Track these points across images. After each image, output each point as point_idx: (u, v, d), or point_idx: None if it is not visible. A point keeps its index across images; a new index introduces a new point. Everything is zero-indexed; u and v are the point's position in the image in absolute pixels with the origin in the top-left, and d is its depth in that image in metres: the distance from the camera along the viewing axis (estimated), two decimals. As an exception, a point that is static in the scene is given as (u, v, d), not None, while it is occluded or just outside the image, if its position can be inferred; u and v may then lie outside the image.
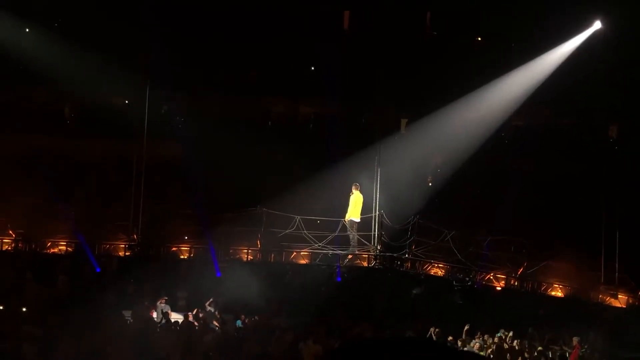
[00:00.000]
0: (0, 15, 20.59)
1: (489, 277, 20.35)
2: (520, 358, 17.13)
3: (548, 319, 19.52)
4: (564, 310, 19.79)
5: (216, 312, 18.16)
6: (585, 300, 20.49)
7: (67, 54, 20.41)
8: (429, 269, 20.30)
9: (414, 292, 20.00)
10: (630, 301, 20.56)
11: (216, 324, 17.65)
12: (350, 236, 19.53)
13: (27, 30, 21.24)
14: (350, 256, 19.86)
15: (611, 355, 17.59)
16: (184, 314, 17.76)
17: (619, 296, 20.69)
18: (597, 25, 20.80)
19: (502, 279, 20.53)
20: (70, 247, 19.96)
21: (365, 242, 19.71)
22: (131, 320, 16.96)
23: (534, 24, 20.81)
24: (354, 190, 19.54)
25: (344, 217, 19.40)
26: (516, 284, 20.53)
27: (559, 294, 20.76)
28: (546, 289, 20.73)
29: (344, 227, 19.40)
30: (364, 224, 19.64)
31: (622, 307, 20.47)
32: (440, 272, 20.37)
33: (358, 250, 19.79)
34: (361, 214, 19.46)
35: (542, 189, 21.97)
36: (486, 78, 21.39)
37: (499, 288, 20.45)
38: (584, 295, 20.64)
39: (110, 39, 20.35)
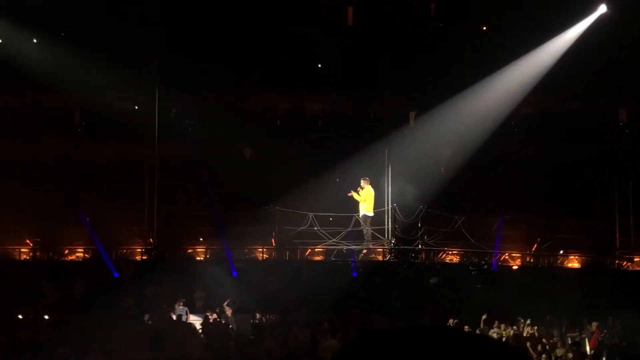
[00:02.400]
0: (8, 23, 20.75)
1: (505, 257, 20.36)
2: (539, 346, 17.15)
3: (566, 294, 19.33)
4: (583, 281, 19.62)
5: (232, 312, 18.27)
6: (603, 267, 20.39)
7: (75, 60, 20.53)
8: (444, 257, 20.38)
9: (431, 281, 20.04)
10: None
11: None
12: (364, 231, 19.61)
13: (35, 40, 21.35)
14: (364, 250, 19.94)
15: (631, 339, 17.55)
16: (203, 315, 17.91)
17: (635, 259, 20.62)
18: (602, 9, 20.69)
19: (518, 257, 20.55)
20: (87, 253, 20.13)
21: (379, 236, 19.79)
22: (150, 323, 17.12)
23: (539, 10, 20.72)
24: (364, 185, 19.58)
25: (358, 211, 19.49)
26: (532, 260, 20.52)
27: (576, 264, 20.73)
28: (562, 262, 20.69)
29: (357, 222, 19.48)
30: (376, 218, 19.73)
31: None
32: (455, 259, 20.44)
33: (372, 244, 19.86)
34: (374, 209, 19.53)
35: (553, 174, 21.98)
36: (493, 67, 21.34)
37: (515, 267, 20.44)
38: (600, 262, 20.55)
39: (117, 43, 20.46)
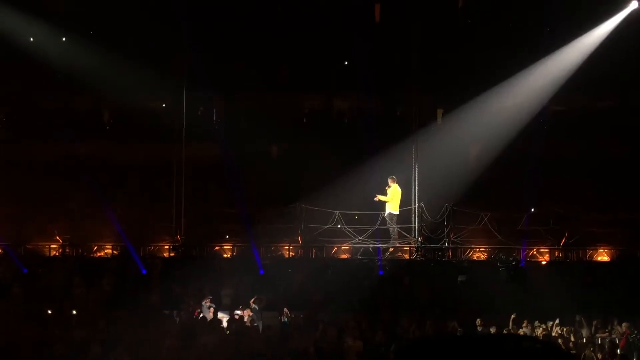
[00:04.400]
0: (38, 22, 21.03)
1: (533, 253, 20.15)
2: (569, 345, 16.94)
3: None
4: (614, 274, 19.33)
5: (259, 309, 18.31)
6: (633, 260, 20.07)
7: (104, 60, 20.75)
8: (471, 255, 20.26)
9: (459, 279, 19.91)
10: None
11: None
12: (390, 229, 19.56)
13: (64, 39, 21.60)
14: (391, 249, 19.88)
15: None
16: (229, 312, 17.97)
17: None
18: (634, 4, 20.42)
19: (546, 252, 20.34)
20: (115, 250, 20.33)
21: (406, 235, 19.73)
22: (178, 320, 17.22)
23: (569, 7, 20.50)
24: (390, 184, 19.55)
25: (384, 209, 19.45)
26: (561, 255, 20.30)
27: (606, 258, 20.45)
28: (592, 255, 20.42)
29: (384, 221, 19.43)
30: (402, 216, 19.67)
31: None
32: (482, 256, 20.31)
33: (399, 242, 19.80)
34: (400, 207, 19.48)
35: (584, 172, 21.74)
36: (522, 64, 21.16)
37: (544, 262, 20.23)
38: (631, 254, 20.22)
39: (146, 42, 20.64)
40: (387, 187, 19.56)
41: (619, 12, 20.59)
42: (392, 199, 19.49)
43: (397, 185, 19.60)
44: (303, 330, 16.84)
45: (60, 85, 21.24)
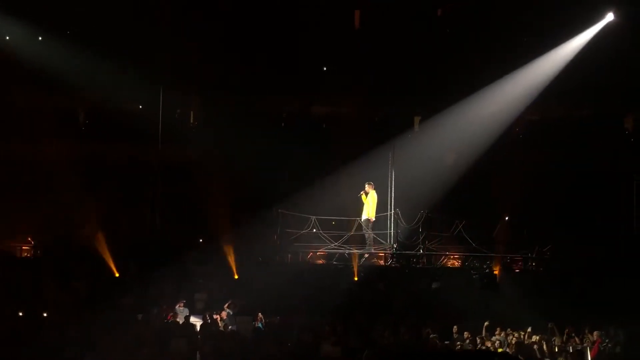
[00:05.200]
0: (13, 21, 20.79)
1: (506, 261, 20.26)
2: (540, 354, 17.05)
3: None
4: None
5: (233, 314, 18.22)
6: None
7: (80, 60, 20.57)
8: (446, 262, 20.36)
9: (433, 286, 20.00)
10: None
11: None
12: (366, 235, 19.60)
13: (40, 38, 21.39)
14: (366, 255, 19.91)
15: (633, 349, 17.44)
16: (202, 316, 17.85)
17: None
18: (609, 17, 20.69)
19: (519, 261, 20.45)
20: (88, 252, 20.10)
21: (382, 241, 19.77)
22: (150, 323, 17.07)
23: (546, 17, 20.74)
24: (368, 189, 19.60)
25: (360, 216, 19.48)
26: (534, 264, 20.43)
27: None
28: (565, 264, 20.50)
29: (360, 227, 19.46)
30: (378, 222, 19.71)
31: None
32: (457, 263, 20.42)
33: (374, 249, 19.84)
34: (376, 213, 19.53)
35: (557, 182, 21.97)
36: (499, 73, 21.35)
37: (517, 270, 20.35)
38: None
39: (123, 42, 20.50)
40: (362, 192, 19.57)
41: (595, 24, 20.87)
42: (368, 204, 19.54)
43: (374, 191, 19.65)
44: (278, 335, 16.77)
45: (36, 84, 20.99)
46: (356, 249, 19.50)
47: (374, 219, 19.63)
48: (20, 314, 17.31)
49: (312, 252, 19.97)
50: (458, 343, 17.03)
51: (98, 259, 19.52)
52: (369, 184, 19.68)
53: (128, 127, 21.40)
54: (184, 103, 22.45)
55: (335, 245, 19.45)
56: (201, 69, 21.13)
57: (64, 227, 20.36)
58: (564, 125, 22.84)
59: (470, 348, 16.53)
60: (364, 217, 19.54)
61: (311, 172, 20.93)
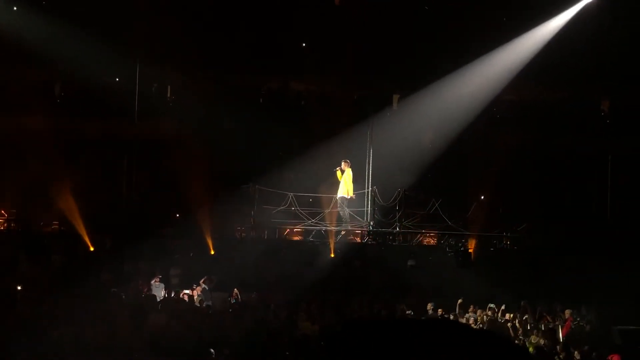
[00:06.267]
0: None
1: (481, 240, 20.41)
2: (514, 331, 17.24)
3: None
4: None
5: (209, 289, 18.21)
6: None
7: (56, 32, 20.24)
8: (421, 240, 20.49)
9: (409, 263, 20.13)
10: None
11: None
12: (341, 212, 19.64)
13: (15, 8, 21.02)
14: (343, 232, 19.97)
15: (603, 327, 17.71)
16: (175, 290, 17.82)
17: None
18: (588, -2, 20.78)
19: (494, 239, 20.63)
20: (63, 226, 19.96)
21: (358, 218, 19.83)
22: (125, 298, 17.01)
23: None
24: (344, 167, 19.59)
25: (336, 194, 19.51)
26: (508, 242, 20.63)
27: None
28: (538, 243, 20.70)
29: (336, 204, 19.50)
30: (356, 200, 19.76)
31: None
32: (432, 241, 20.55)
33: (351, 226, 19.90)
34: (354, 191, 19.57)
35: (533, 163, 22.13)
36: (477, 52, 21.36)
37: (491, 249, 20.53)
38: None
39: (100, 14, 20.20)
40: (337, 168, 19.53)
41: (574, 5, 20.92)
42: (346, 182, 19.55)
43: (350, 169, 19.65)
44: (254, 311, 16.80)
45: (10, 55, 20.65)
46: (333, 227, 19.54)
47: (353, 197, 19.64)
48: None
49: (288, 229, 19.98)
50: (431, 320, 17.18)
51: (73, 233, 19.39)
52: (345, 161, 19.66)
53: (104, 101, 21.15)
54: (162, 77, 22.20)
55: (312, 222, 19.47)
56: (179, 44, 20.88)
57: (38, 200, 20.16)
58: (541, 106, 22.95)
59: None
60: (339, 194, 19.55)
61: (289, 149, 20.87)
